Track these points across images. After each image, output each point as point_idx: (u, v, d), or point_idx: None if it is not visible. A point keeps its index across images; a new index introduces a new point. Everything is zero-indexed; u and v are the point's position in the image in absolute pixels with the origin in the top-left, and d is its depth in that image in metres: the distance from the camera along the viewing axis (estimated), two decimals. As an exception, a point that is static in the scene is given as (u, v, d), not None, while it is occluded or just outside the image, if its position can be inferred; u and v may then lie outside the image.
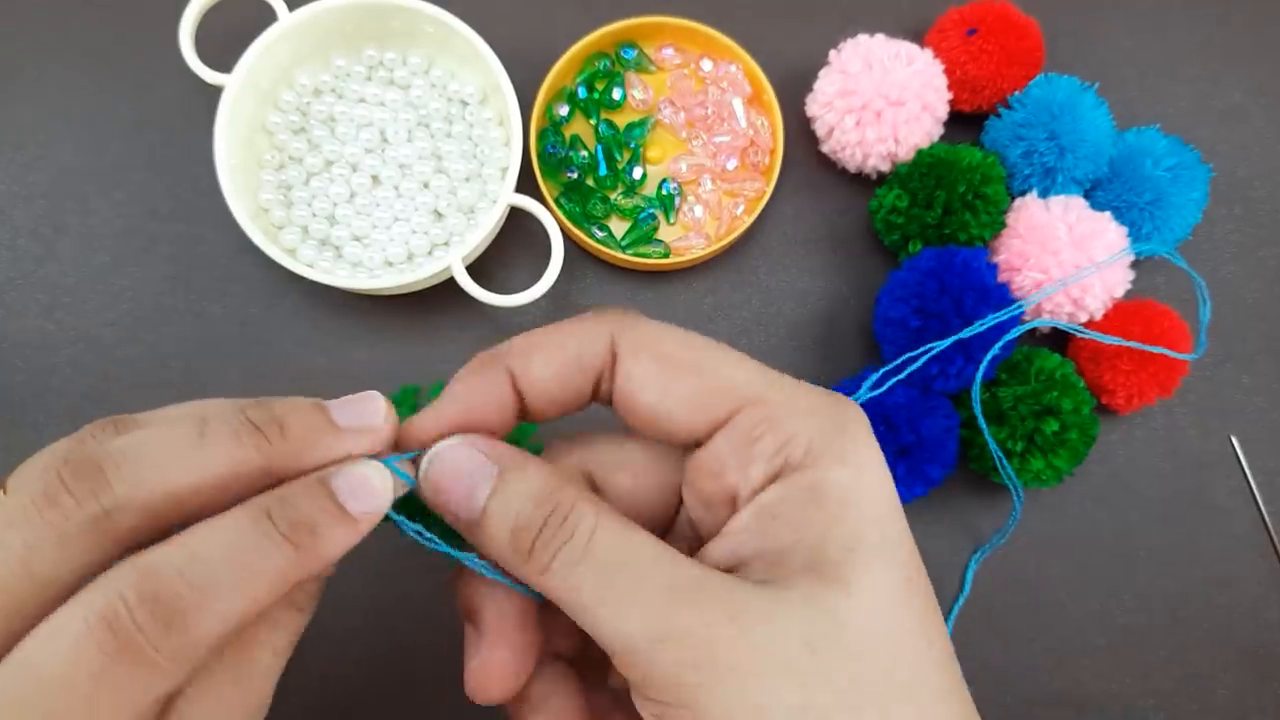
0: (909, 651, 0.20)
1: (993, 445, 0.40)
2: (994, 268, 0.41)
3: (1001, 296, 0.40)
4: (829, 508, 0.20)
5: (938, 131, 0.45)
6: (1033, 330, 0.45)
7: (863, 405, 0.37)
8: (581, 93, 0.46)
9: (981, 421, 0.39)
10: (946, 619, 0.43)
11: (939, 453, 0.40)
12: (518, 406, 0.23)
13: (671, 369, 0.22)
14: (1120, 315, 0.43)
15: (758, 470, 0.21)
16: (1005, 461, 0.40)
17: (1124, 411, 0.44)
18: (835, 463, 0.21)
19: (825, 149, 0.46)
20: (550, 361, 0.22)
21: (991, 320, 0.33)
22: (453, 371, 0.45)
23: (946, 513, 0.44)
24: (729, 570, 0.21)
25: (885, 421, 0.40)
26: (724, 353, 0.22)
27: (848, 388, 0.41)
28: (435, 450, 0.22)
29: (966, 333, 0.33)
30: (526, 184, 0.44)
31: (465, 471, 0.22)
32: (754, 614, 0.19)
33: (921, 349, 0.31)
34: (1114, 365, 0.42)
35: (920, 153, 0.43)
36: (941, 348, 0.31)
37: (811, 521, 0.21)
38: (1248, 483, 0.46)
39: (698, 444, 0.23)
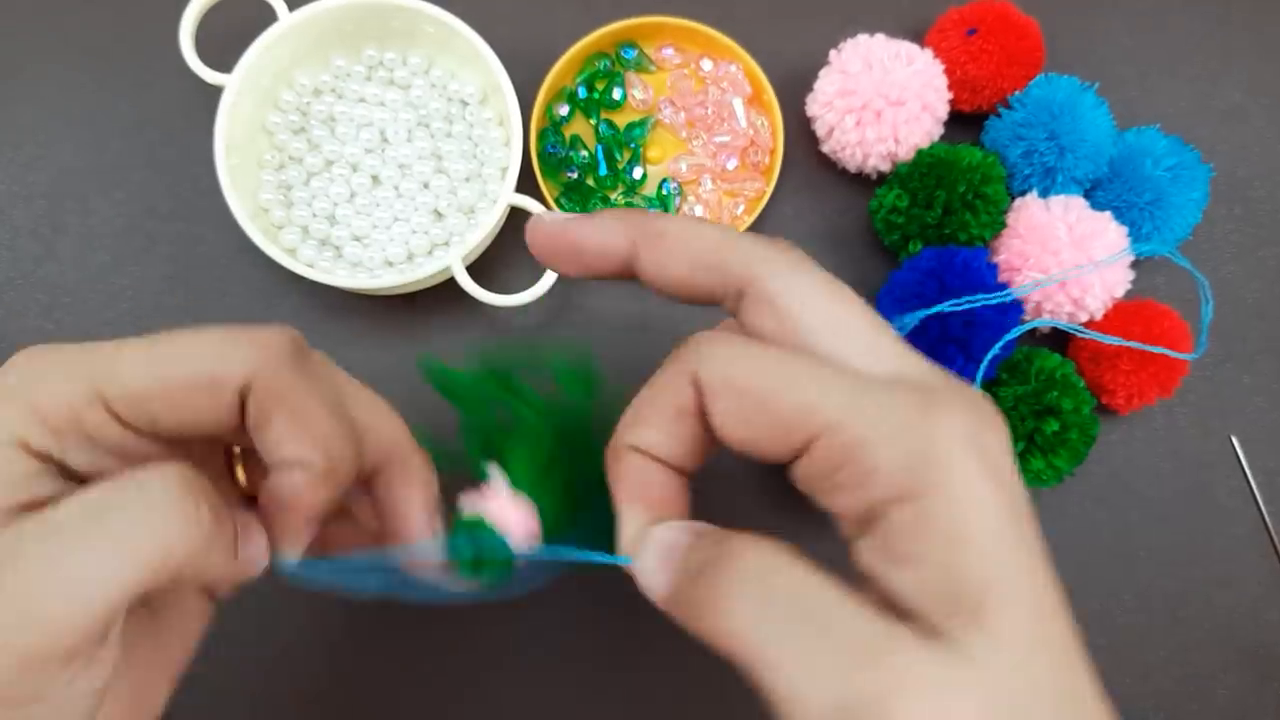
0: (1059, 701, 0.19)
1: None
2: (994, 268, 0.41)
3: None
4: (938, 549, 0.19)
5: (938, 131, 0.45)
6: (1033, 330, 0.45)
7: None
8: (582, 92, 0.46)
9: None
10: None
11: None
12: (662, 466, 0.23)
13: (748, 403, 0.20)
14: (1120, 315, 0.43)
15: (845, 502, 0.20)
16: None
17: (1124, 411, 0.44)
18: (927, 496, 0.19)
19: (825, 149, 0.46)
20: (657, 427, 0.22)
21: (996, 298, 0.33)
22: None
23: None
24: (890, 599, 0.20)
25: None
26: (802, 366, 0.20)
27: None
28: (649, 534, 0.22)
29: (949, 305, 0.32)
30: (527, 184, 0.44)
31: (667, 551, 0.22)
32: (927, 681, 0.18)
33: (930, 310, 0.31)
34: (1114, 365, 0.42)
35: (920, 153, 0.43)
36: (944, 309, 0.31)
37: (929, 563, 0.19)
38: (1248, 483, 0.46)
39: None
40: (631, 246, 0.23)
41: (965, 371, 0.39)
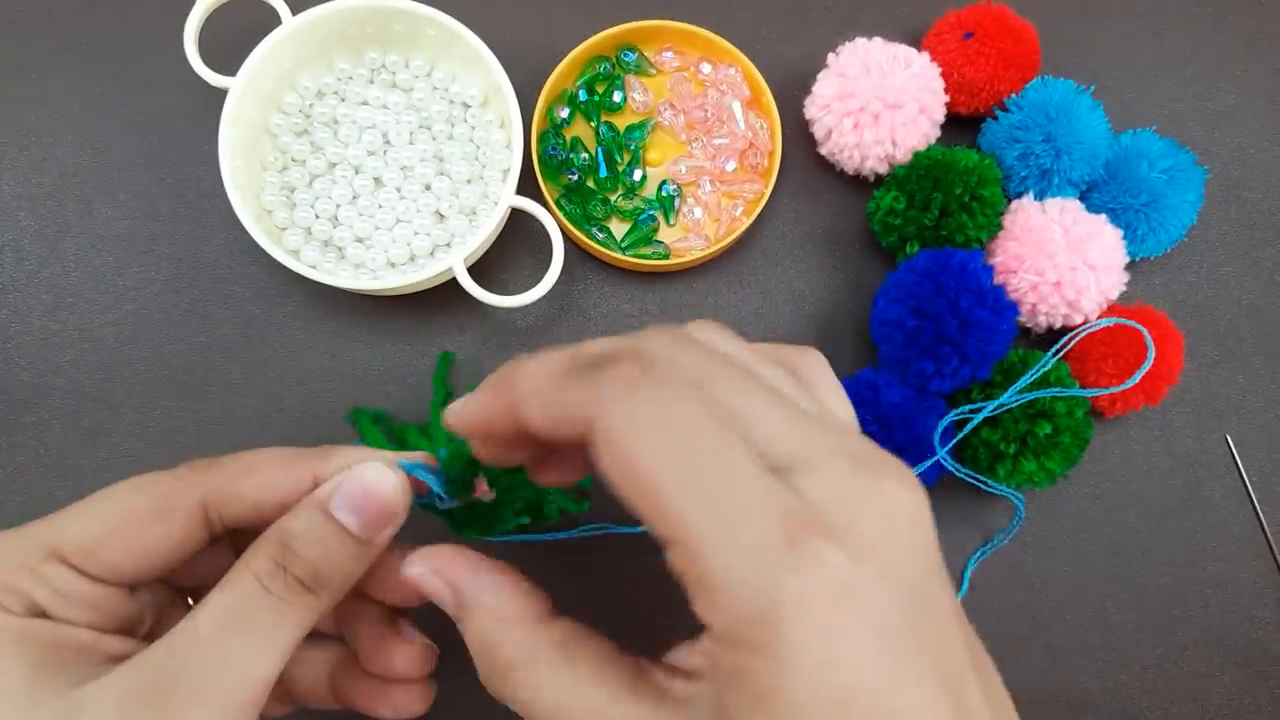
0: None
1: (960, 473, 0.40)
2: (990, 269, 0.41)
3: (997, 298, 0.40)
4: (745, 698, 0.18)
5: (935, 134, 0.45)
6: (1027, 331, 0.45)
7: (860, 403, 0.37)
8: (582, 95, 0.46)
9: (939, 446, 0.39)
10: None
11: (933, 453, 0.40)
12: (520, 439, 0.23)
13: (620, 474, 0.19)
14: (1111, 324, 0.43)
15: (696, 607, 0.19)
16: (987, 480, 0.41)
17: (1109, 415, 0.45)
18: (755, 651, 0.18)
19: (823, 151, 0.46)
20: (543, 420, 0.21)
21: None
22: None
23: (945, 513, 0.45)
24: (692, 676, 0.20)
25: (880, 421, 0.40)
26: (677, 465, 0.19)
27: (845, 387, 0.42)
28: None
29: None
30: (527, 186, 0.44)
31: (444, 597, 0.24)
32: None
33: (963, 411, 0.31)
34: (1100, 370, 0.42)
35: (917, 155, 0.44)
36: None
37: (728, 705, 0.19)
38: (1243, 482, 0.46)
39: None
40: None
41: (961, 372, 0.40)
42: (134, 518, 0.24)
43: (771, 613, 0.18)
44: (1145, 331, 0.39)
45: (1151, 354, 0.38)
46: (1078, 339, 0.42)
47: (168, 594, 0.28)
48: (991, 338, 0.39)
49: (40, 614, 0.23)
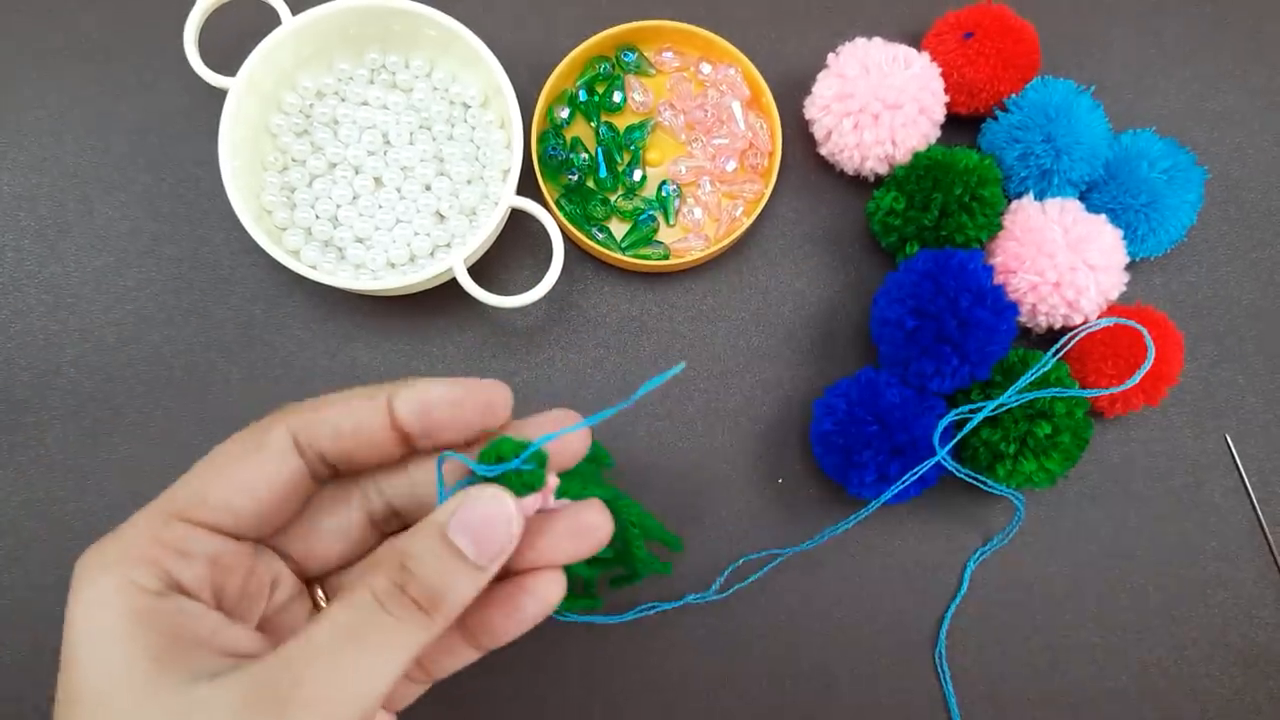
0: None
1: (960, 473, 0.40)
2: (990, 269, 0.41)
3: (997, 298, 0.40)
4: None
5: (935, 134, 0.45)
6: (1027, 332, 0.45)
7: (859, 403, 0.38)
8: (582, 95, 0.46)
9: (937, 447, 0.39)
10: (943, 618, 0.44)
11: (933, 453, 0.40)
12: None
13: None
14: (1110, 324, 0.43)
15: None
16: (987, 480, 0.41)
17: (1109, 415, 0.45)
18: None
19: (823, 151, 0.46)
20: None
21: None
22: (452, 370, 0.46)
23: (945, 512, 0.45)
24: None
25: (880, 421, 0.40)
26: None
27: (845, 387, 0.42)
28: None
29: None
30: (527, 186, 0.44)
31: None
32: None
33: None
34: (1099, 370, 0.42)
35: (917, 155, 0.44)
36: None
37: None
38: (1243, 482, 0.46)
39: None
40: None
41: (960, 372, 0.40)
42: (231, 455, 0.25)
43: None
44: (1145, 331, 0.39)
45: (1151, 354, 0.38)
46: (1078, 339, 0.42)
47: (292, 587, 0.28)
48: (991, 338, 0.39)
49: (172, 584, 0.24)
